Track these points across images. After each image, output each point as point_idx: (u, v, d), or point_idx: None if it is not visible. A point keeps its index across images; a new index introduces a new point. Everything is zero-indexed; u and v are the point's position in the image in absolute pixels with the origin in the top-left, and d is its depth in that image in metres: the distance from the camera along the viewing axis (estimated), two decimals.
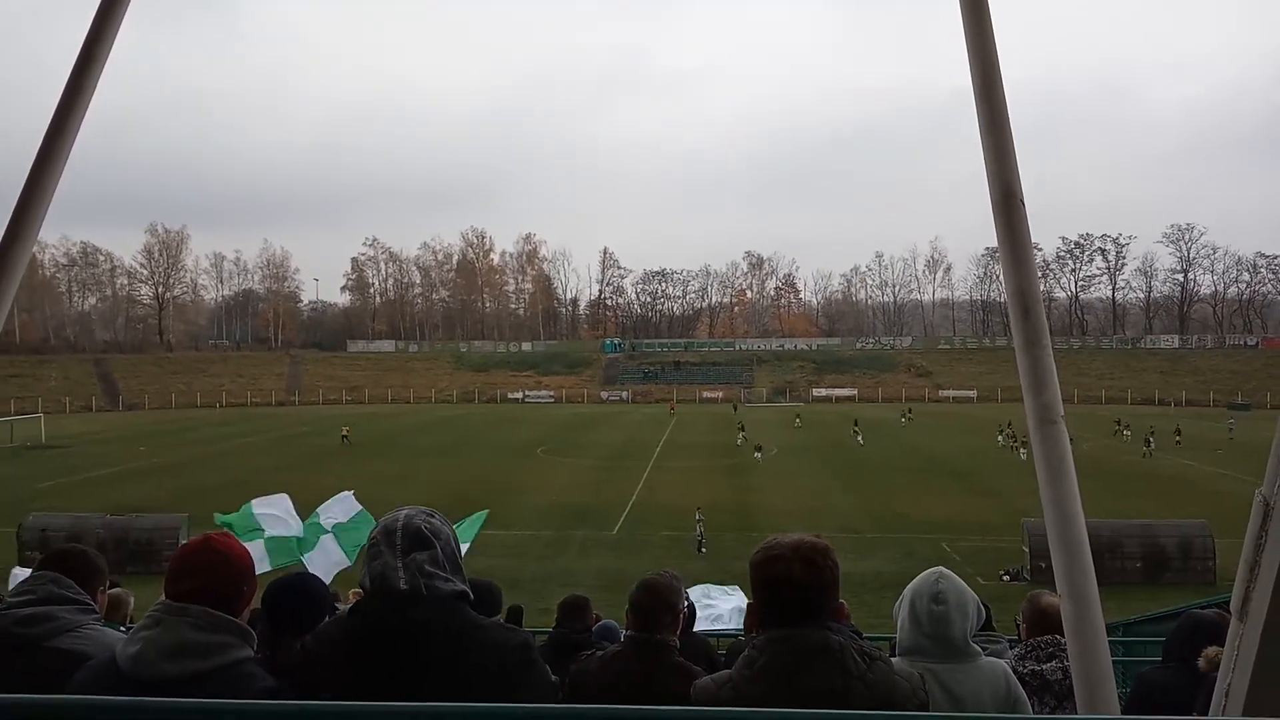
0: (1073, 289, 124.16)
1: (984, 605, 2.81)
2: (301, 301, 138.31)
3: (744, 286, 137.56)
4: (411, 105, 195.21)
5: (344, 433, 58.96)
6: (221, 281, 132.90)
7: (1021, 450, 45.88)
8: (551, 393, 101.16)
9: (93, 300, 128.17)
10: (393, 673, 2.24)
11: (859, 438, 57.14)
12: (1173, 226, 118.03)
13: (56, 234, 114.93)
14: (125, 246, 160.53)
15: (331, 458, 51.29)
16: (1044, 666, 3.52)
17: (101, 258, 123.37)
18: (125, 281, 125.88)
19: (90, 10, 2.03)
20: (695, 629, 6.74)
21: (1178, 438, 53.97)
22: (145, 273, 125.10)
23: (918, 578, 2.78)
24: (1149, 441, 50.49)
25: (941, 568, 2.80)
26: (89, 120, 2.09)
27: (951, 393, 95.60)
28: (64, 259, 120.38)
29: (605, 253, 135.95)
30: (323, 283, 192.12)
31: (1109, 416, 65.27)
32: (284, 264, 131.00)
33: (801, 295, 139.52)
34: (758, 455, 48.41)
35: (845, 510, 34.87)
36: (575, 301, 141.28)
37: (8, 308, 2.02)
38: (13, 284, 2.00)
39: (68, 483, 42.01)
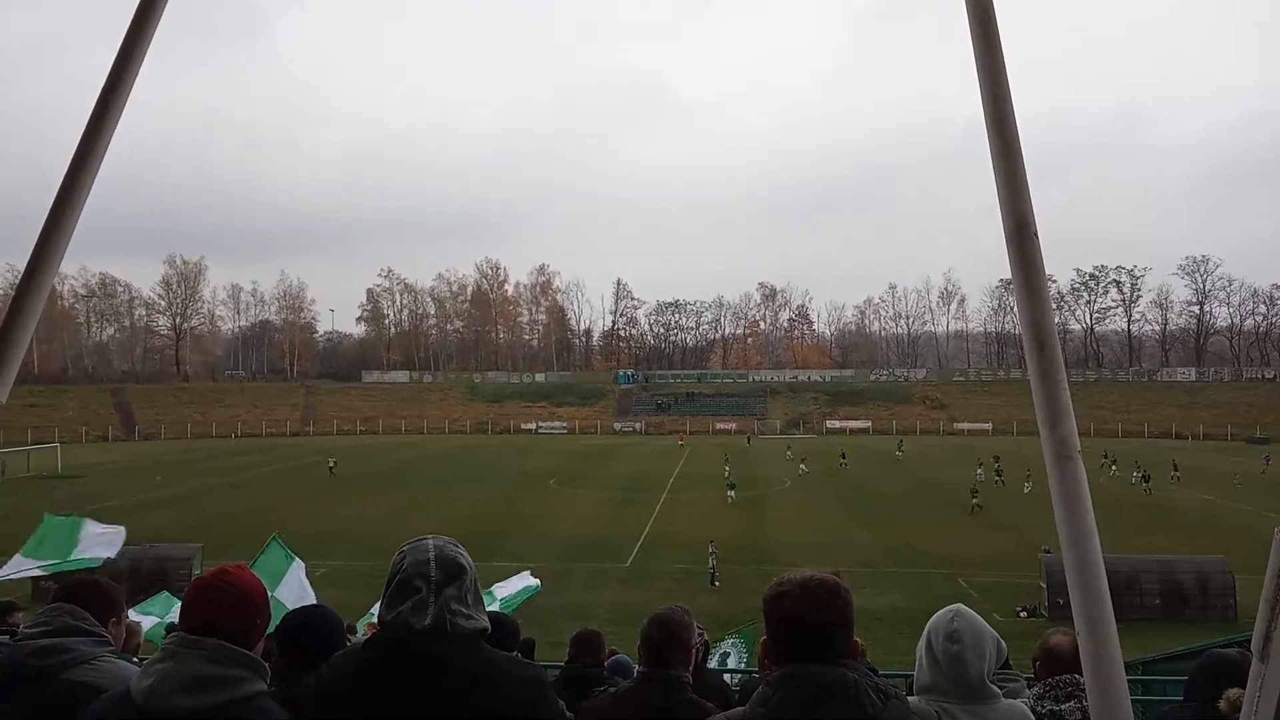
0: (1088, 321, 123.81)
1: (1003, 644, 2.77)
2: (317, 332, 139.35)
3: (757, 318, 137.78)
4: (426, 137, 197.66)
5: (331, 464, 59.06)
6: (238, 312, 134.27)
7: (1024, 482, 45.41)
8: (565, 424, 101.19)
9: (111, 331, 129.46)
10: (406, 708, 2.22)
11: (841, 461, 59.56)
12: (1188, 258, 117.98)
13: (76, 265, 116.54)
14: (144, 278, 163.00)
15: (344, 489, 51.35)
16: (1062, 707, 3.47)
17: (120, 289, 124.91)
18: (143, 312, 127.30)
19: (114, 46, 2.07)
20: None
21: (1174, 473, 51.63)
22: (163, 303, 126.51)
23: (935, 615, 2.76)
24: (1147, 477, 48.44)
25: (960, 605, 2.77)
26: (110, 152, 2.12)
27: (966, 425, 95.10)
28: (83, 290, 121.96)
29: (619, 284, 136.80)
30: (338, 313, 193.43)
31: (1121, 451, 64.50)
32: (300, 295, 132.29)
33: (815, 327, 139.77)
34: (800, 468, 46.84)
35: (860, 544, 34.61)
36: (589, 332, 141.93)
37: (28, 339, 2.04)
38: (34, 315, 2.02)
39: (83, 512, 42.09)
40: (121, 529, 12.36)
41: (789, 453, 67.05)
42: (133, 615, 10.26)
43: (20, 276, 1.98)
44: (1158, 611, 24.28)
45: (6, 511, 11.92)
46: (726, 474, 54.55)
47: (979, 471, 54.97)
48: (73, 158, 2.01)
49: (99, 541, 11.88)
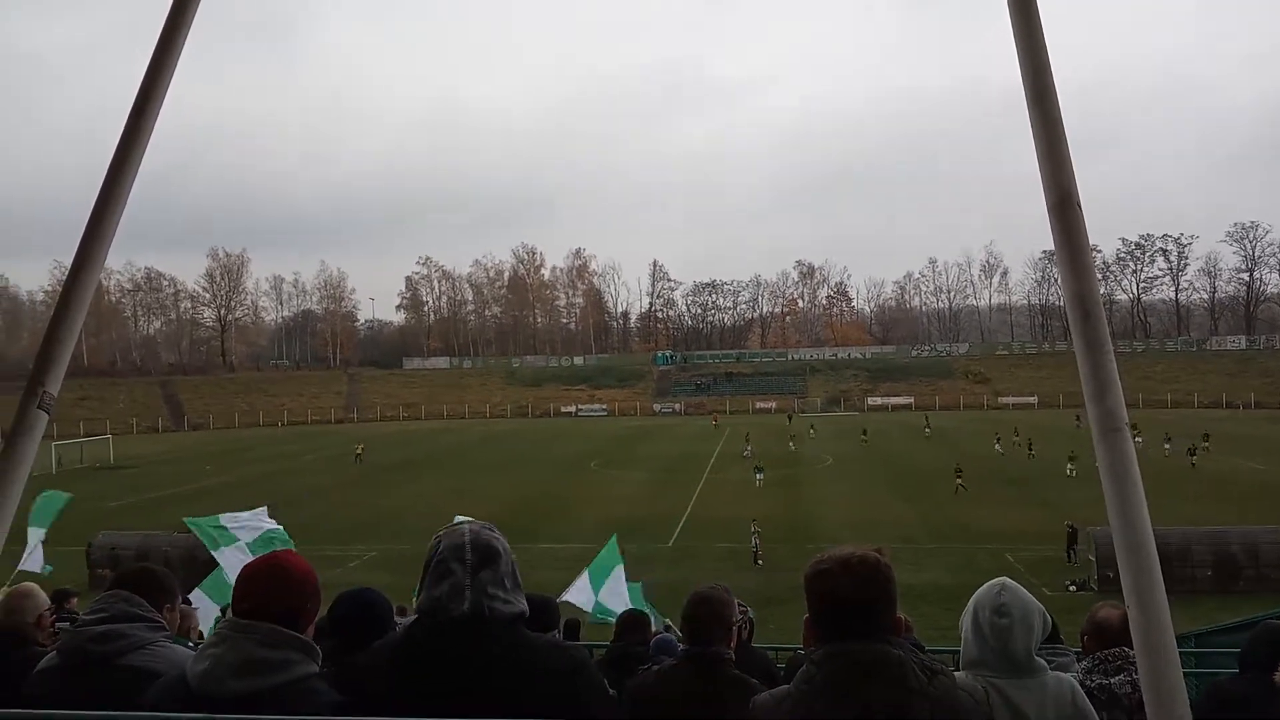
0: (1134, 291, 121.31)
1: (1050, 617, 2.74)
2: (358, 321, 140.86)
3: (795, 296, 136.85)
4: (463, 124, 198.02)
5: (358, 451, 59.66)
6: (281, 303, 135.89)
7: (1066, 463, 43.55)
8: (604, 406, 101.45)
9: (157, 324, 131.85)
10: (448, 693, 2.24)
11: (863, 439, 58.84)
12: (1236, 225, 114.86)
13: (121, 261, 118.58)
14: (188, 271, 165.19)
15: (388, 474, 52.02)
16: (1112, 680, 3.42)
17: (165, 283, 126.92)
18: (189, 305, 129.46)
19: (150, 44, 2.10)
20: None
21: (1205, 443, 49.63)
22: (207, 296, 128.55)
23: (980, 589, 2.73)
24: (1192, 450, 46.81)
25: (1005, 578, 2.74)
26: (150, 149, 2.16)
27: (1011, 399, 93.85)
28: (129, 285, 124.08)
29: (655, 265, 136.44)
30: (378, 302, 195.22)
31: (1165, 423, 63.28)
32: (341, 284, 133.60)
33: (854, 303, 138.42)
34: (759, 477, 43.99)
35: (903, 521, 34.41)
36: (626, 315, 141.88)
37: (77, 333, 2.09)
38: (82, 310, 2.07)
39: (136, 502, 43.17)
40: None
41: (812, 431, 67.65)
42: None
43: (67, 273, 2.03)
44: (1209, 584, 23.86)
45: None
46: (746, 452, 54.55)
47: (997, 445, 54.32)
48: (113, 157, 2.05)
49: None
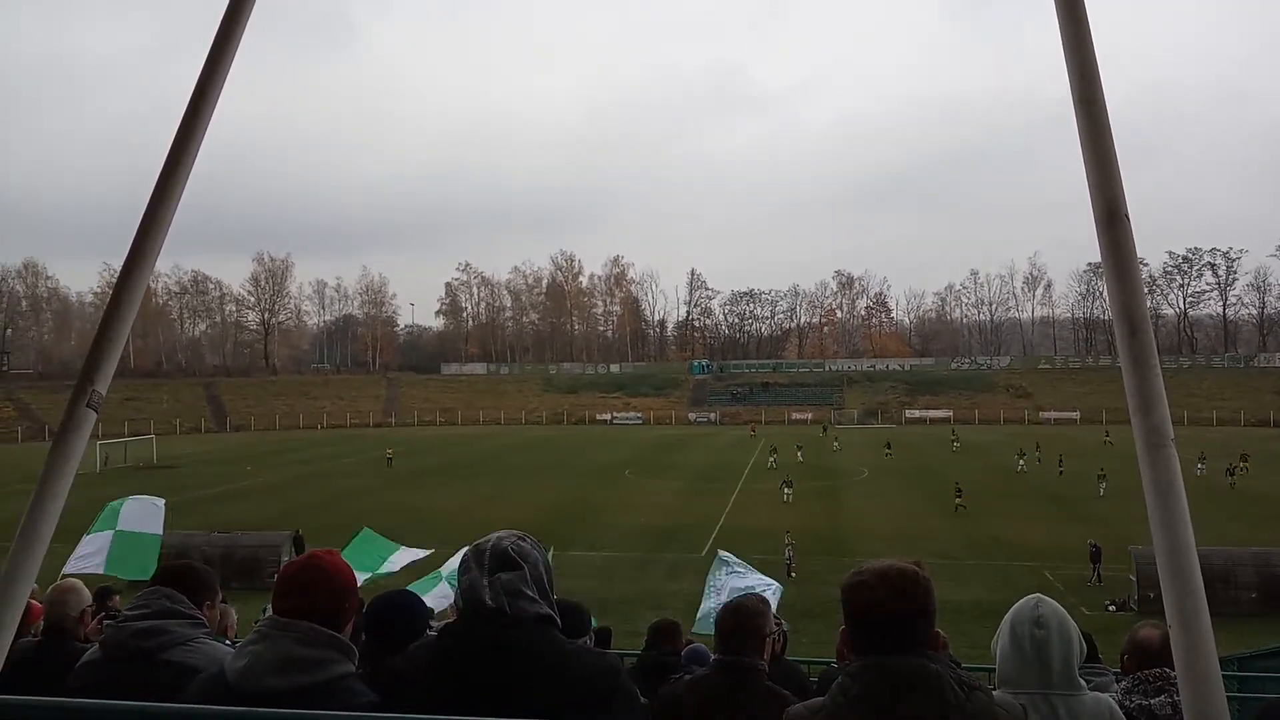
0: (1181, 305, 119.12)
1: (1087, 636, 2.70)
2: (398, 326, 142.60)
3: (833, 306, 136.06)
4: (503, 131, 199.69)
5: (389, 455, 60.16)
6: (323, 307, 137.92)
7: (1098, 482, 42.45)
8: (639, 414, 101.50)
9: (203, 326, 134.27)
10: (481, 694, 2.26)
11: (886, 453, 56.98)
12: None
13: (170, 264, 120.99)
14: (234, 274, 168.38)
15: (424, 477, 52.41)
16: (1152, 701, 3.36)
17: (211, 286, 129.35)
18: (233, 308, 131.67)
19: (204, 49, 2.14)
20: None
21: (1244, 464, 47.96)
22: (252, 300, 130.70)
23: (1017, 604, 2.70)
24: (1231, 470, 45.66)
25: (1040, 594, 2.71)
26: (201, 155, 2.20)
27: (1053, 414, 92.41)
28: (176, 287, 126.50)
29: (693, 274, 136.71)
30: (418, 307, 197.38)
31: (1219, 440, 61.94)
32: (382, 289, 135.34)
33: (893, 314, 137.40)
34: (787, 492, 42.41)
35: (941, 535, 33.98)
36: (663, 323, 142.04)
37: (126, 335, 2.14)
38: (131, 312, 2.11)
39: (177, 501, 43.54)
40: (160, 501, 12.66)
41: (836, 444, 67.40)
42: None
43: (119, 274, 2.08)
44: (1254, 606, 23.29)
45: (108, 501, 12.48)
46: (771, 464, 54.12)
47: (1020, 462, 53.30)
48: (165, 161, 2.10)
49: (143, 515, 12.29)
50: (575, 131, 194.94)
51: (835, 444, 67.73)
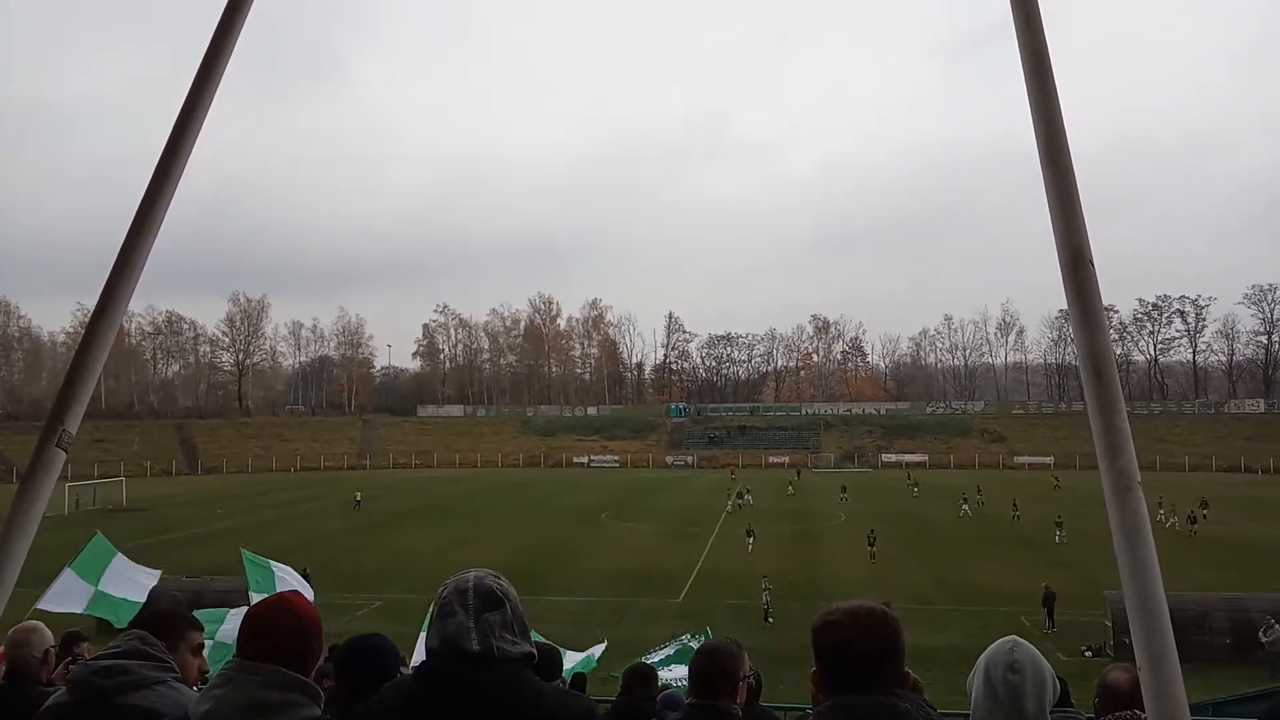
0: (1152, 352, 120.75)
1: (1060, 680, 2.70)
2: (375, 367, 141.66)
3: (810, 350, 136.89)
4: (484, 174, 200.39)
5: (357, 498, 59.66)
6: (299, 348, 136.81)
7: (1055, 530, 42.48)
8: (617, 457, 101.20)
9: (176, 367, 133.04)
10: None
11: (842, 498, 58.91)
12: (1254, 287, 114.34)
13: (144, 304, 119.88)
14: (209, 315, 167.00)
15: (396, 521, 51.83)
16: None
17: (186, 326, 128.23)
18: (208, 349, 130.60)
19: (182, 94, 2.15)
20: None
21: (1204, 510, 47.56)
22: (227, 340, 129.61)
23: (991, 647, 2.70)
24: (1192, 519, 45.33)
25: (1015, 637, 2.71)
26: (176, 196, 2.20)
27: (1027, 459, 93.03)
28: (150, 327, 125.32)
29: (670, 317, 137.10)
30: (395, 349, 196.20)
31: (1192, 486, 62.45)
32: (358, 331, 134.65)
33: (869, 359, 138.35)
34: (750, 541, 41.29)
35: (917, 580, 33.94)
36: (640, 366, 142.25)
37: (97, 375, 2.12)
38: (103, 353, 2.10)
39: (147, 544, 43.00)
40: (157, 573, 12.54)
41: (790, 489, 67.79)
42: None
43: (91, 313, 2.06)
44: (1228, 652, 23.33)
45: (77, 544, 12.08)
46: (730, 506, 54.16)
47: (964, 507, 53.38)
48: (141, 200, 2.09)
49: (131, 580, 12.11)
50: (553, 176, 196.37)
51: (789, 489, 67.90)
